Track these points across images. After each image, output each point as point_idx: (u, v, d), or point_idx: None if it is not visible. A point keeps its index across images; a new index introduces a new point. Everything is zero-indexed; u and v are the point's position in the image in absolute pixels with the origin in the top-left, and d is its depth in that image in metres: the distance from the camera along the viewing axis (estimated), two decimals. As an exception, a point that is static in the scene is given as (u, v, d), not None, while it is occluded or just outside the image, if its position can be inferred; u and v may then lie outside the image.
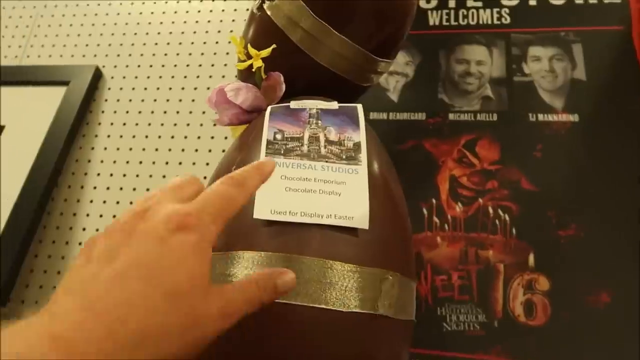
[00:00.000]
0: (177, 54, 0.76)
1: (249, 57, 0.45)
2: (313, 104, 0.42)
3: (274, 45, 0.44)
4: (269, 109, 0.41)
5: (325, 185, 0.36)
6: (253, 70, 0.44)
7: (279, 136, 0.38)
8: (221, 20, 0.78)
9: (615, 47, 0.65)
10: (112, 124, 0.73)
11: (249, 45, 0.45)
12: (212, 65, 0.75)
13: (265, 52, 0.43)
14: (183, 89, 0.74)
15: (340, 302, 0.33)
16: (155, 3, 0.81)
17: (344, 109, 0.42)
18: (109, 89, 0.76)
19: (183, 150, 0.69)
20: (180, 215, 0.24)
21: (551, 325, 0.51)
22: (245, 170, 0.29)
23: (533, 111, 0.62)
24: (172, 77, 0.75)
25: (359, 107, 0.42)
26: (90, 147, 0.72)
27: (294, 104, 0.42)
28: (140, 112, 0.73)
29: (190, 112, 0.71)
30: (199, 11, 0.79)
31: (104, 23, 0.81)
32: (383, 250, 0.36)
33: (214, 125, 0.69)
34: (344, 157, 0.38)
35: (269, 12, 0.46)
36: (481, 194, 0.59)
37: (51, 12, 0.83)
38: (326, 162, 0.37)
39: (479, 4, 0.71)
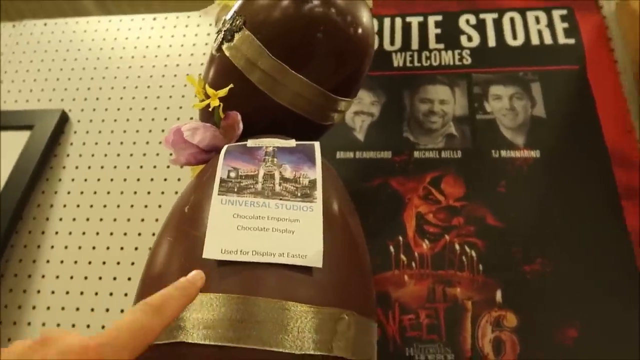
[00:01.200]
0: (145, 97, 0.76)
1: (207, 97, 0.45)
2: (270, 142, 0.42)
3: (231, 85, 0.44)
4: (225, 147, 0.41)
5: (278, 223, 0.35)
6: (210, 110, 0.44)
7: (233, 174, 0.38)
8: (190, 64, 0.78)
9: (571, 85, 0.67)
10: (77, 167, 0.72)
11: (206, 86, 0.45)
12: (180, 107, 0.75)
13: (222, 92, 0.44)
14: (150, 131, 0.73)
15: (294, 345, 0.32)
16: (124, 48, 0.82)
17: (301, 147, 0.42)
18: (75, 132, 0.75)
19: (149, 193, 0.68)
20: (79, 349, 0.22)
21: (521, 364, 0.50)
22: (167, 291, 0.27)
23: (496, 148, 0.63)
24: (140, 119, 0.75)
25: (317, 144, 0.42)
26: (53, 191, 0.70)
27: (251, 143, 0.42)
28: (106, 154, 0.72)
29: (157, 155, 0.71)
30: (167, 55, 0.80)
31: (72, 68, 0.81)
32: (338, 289, 0.35)
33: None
34: (298, 194, 0.37)
35: (227, 54, 0.46)
36: (447, 230, 0.59)
37: (18, 58, 0.83)
38: (280, 199, 0.37)
39: (441, 46, 0.73)
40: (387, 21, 0.77)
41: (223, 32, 0.47)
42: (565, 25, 0.72)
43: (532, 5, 0.75)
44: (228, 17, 0.48)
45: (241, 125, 0.44)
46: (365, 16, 0.49)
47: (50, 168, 0.72)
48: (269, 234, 0.35)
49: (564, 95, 0.66)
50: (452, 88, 0.69)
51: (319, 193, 0.38)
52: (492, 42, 0.73)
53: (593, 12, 0.73)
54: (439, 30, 0.75)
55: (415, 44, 0.74)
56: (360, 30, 0.48)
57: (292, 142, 0.42)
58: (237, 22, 0.46)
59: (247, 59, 0.45)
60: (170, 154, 0.45)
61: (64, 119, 0.75)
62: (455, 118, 0.67)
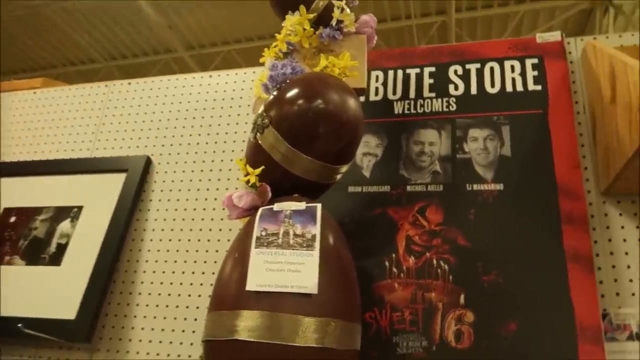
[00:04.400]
0: (216, 142, 1.00)
1: (248, 173, 0.67)
2: (289, 206, 0.64)
3: (262, 167, 0.66)
4: (259, 211, 0.63)
5: (291, 265, 0.58)
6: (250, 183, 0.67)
7: (263, 233, 0.61)
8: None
9: (534, 127, 0.83)
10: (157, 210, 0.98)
11: (247, 165, 0.68)
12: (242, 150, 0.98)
13: (258, 171, 0.66)
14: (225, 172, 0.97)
15: (302, 341, 0.55)
16: (198, 94, 1.06)
17: (308, 209, 0.63)
18: (157, 172, 1.01)
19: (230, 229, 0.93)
20: None
21: (474, 348, 0.70)
22: None
23: (470, 182, 0.82)
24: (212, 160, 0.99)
25: (319, 207, 0.64)
26: (142, 229, 0.97)
27: (276, 207, 0.64)
28: (187, 199, 0.97)
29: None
30: (241, 97, 1.03)
31: (154, 115, 1.06)
32: (328, 306, 0.57)
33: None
34: (304, 245, 0.59)
35: (260, 142, 0.68)
36: (428, 249, 0.79)
37: (112, 113, 1.10)
38: (293, 249, 0.59)
39: (433, 94, 0.92)
40: (391, 73, 0.96)
41: (257, 126, 0.69)
42: (535, 73, 0.88)
43: (509, 54, 0.91)
44: (260, 111, 0.70)
45: (269, 192, 0.66)
46: (353, 104, 0.68)
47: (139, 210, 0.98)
48: (284, 273, 0.57)
49: (527, 136, 0.83)
50: (439, 131, 0.88)
51: (317, 244, 0.60)
52: (474, 90, 0.90)
53: (560, 59, 0.88)
54: (432, 80, 0.93)
55: (412, 93, 0.93)
56: (350, 117, 0.68)
57: (302, 205, 0.64)
58: (265, 120, 0.67)
59: (272, 146, 0.67)
60: (227, 214, 0.68)
61: (148, 163, 1.01)
62: (441, 157, 0.85)
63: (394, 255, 0.79)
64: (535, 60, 0.89)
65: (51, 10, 3.80)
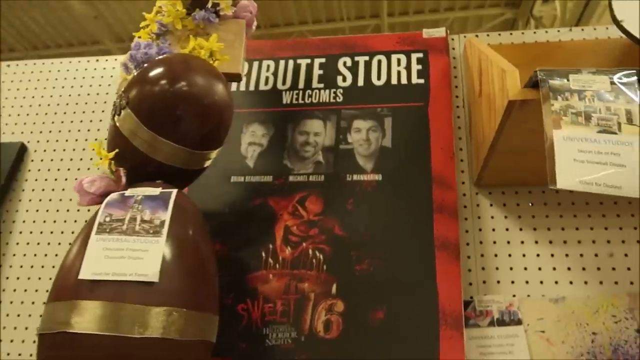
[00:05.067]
0: (98, 130, 0.95)
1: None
2: (142, 191, 0.60)
3: (117, 150, 0.62)
4: (108, 197, 0.60)
5: (132, 252, 0.54)
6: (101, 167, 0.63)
7: (107, 219, 0.57)
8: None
9: (415, 120, 0.84)
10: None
11: (101, 149, 0.64)
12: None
13: (111, 155, 0.62)
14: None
15: (142, 331, 0.52)
16: (83, 79, 1.00)
17: (162, 194, 0.60)
18: (32, 161, 0.94)
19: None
20: None
21: (342, 337, 0.69)
22: None
23: (350, 173, 0.82)
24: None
25: (174, 192, 0.61)
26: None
27: (129, 192, 0.61)
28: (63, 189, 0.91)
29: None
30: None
31: (34, 99, 0.99)
32: (172, 294, 0.54)
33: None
34: (151, 231, 0.56)
35: (118, 125, 0.64)
36: (305, 239, 0.77)
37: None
38: (137, 236, 0.56)
39: (321, 85, 0.91)
40: (282, 63, 0.95)
41: (114, 108, 0.65)
42: (420, 67, 0.89)
43: (397, 48, 0.92)
44: (119, 92, 0.66)
45: (123, 177, 0.62)
46: (218, 88, 0.66)
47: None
48: (124, 261, 0.54)
49: (407, 128, 0.84)
50: (325, 122, 0.87)
51: (165, 230, 0.57)
52: (361, 82, 0.90)
53: (443, 54, 0.90)
54: (321, 72, 0.92)
55: (301, 84, 0.92)
56: (214, 100, 0.65)
57: (157, 191, 0.61)
58: (123, 101, 0.64)
59: (130, 130, 0.63)
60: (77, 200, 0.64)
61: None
62: (324, 148, 0.85)
63: (271, 246, 0.78)
64: (421, 55, 0.91)
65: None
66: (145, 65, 0.65)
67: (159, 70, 0.64)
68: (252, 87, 0.93)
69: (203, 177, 0.85)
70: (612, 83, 0.52)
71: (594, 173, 0.48)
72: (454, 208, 0.76)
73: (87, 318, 0.52)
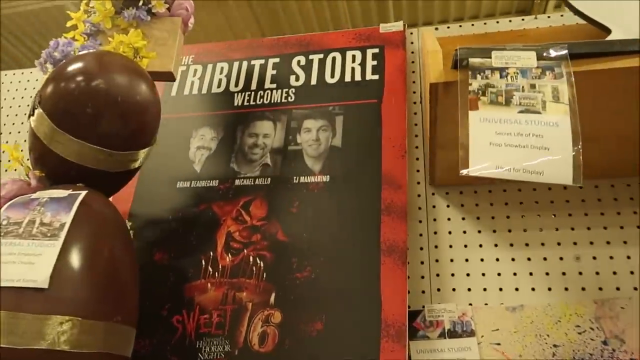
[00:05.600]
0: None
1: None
2: (48, 194, 0.57)
3: (22, 149, 0.59)
4: (13, 200, 0.56)
5: (24, 257, 0.50)
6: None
7: (4, 222, 0.53)
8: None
9: (367, 117, 0.79)
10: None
11: (15, 151, 0.61)
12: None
13: (20, 155, 0.59)
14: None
15: (23, 341, 0.47)
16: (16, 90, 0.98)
17: (69, 196, 0.56)
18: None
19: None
20: None
21: (277, 351, 0.64)
22: None
23: (297, 175, 0.77)
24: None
25: (81, 194, 0.57)
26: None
27: (36, 195, 0.57)
28: None
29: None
30: None
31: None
32: (65, 302, 0.50)
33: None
34: (48, 235, 0.52)
35: (32, 125, 0.61)
36: (247, 245, 0.73)
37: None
38: (33, 240, 0.52)
39: (274, 85, 0.87)
40: (236, 64, 0.91)
41: (30, 107, 0.62)
42: (375, 62, 0.84)
43: (352, 45, 0.88)
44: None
45: (34, 181, 0.59)
46: (138, 86, 0.62)
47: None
48: (15, 266, 0.50)
49: (359, 126, 0.79)
50: (275, 123, 0.83)
51: (64, 233, 0.53)
52: (314, 80, 0.86)
53: (399, 49, 0.85)
54: (274, 72, 0.89)
55: (254, 85, 0.88)
56: (132, 98, 0.62)
57: (65, 193, 0.57)
58: (37, 100, 0.61)
59: (44, 131, 0.60)
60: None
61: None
62: (273, 149, 0.80)
63: (211, 254, 0.73)
64: (376, 50, 0.86)
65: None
66: (61, 63, 0.62)
67: (71, 68, 0.60)
68: (204, 91, 0.89)
69: (150, 183, 0.82)
70: (540, 58, 0.46)
71: (512, 157, 0.42)
72: (403, 209, 0.70)
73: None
